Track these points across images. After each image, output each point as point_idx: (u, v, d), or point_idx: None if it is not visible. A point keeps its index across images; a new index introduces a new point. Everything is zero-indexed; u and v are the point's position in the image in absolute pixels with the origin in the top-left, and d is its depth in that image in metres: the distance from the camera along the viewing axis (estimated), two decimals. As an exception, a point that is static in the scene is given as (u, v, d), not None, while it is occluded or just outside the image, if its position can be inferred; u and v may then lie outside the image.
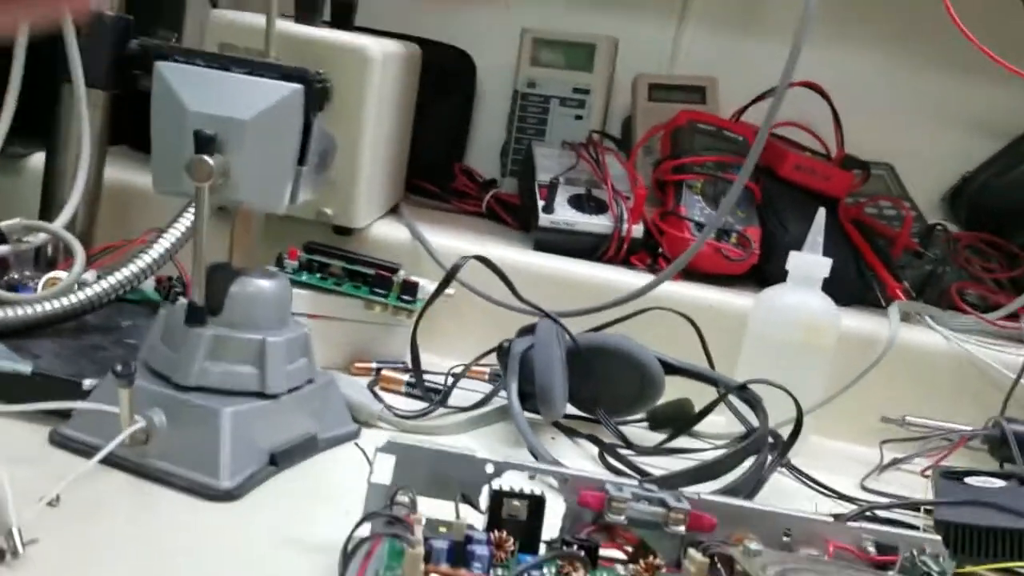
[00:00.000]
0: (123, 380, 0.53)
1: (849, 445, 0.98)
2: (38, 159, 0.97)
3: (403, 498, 0.50)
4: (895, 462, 0.95)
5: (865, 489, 0.88)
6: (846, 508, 0.79)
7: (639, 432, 0.89)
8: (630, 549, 0.52)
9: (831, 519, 0.53)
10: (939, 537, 0.53)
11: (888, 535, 0.52)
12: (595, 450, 0.80)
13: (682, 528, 0.51)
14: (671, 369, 0.85)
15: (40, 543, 0.47)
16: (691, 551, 0.48)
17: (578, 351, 0.82)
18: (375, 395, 0.80)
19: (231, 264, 0.64)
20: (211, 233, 0.59)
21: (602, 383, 0.83)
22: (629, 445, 0.82)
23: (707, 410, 0.86)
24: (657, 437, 0.87)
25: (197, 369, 0.60)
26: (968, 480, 0.74)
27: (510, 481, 0.52)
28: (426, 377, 0.87)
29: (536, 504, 0.51)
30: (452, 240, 1.02)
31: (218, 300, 0.62)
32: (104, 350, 0.71)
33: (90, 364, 0.67)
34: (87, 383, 0.63)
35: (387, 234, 1.02)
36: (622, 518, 0.51)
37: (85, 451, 0.57)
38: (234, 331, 0.61)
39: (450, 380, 0.84)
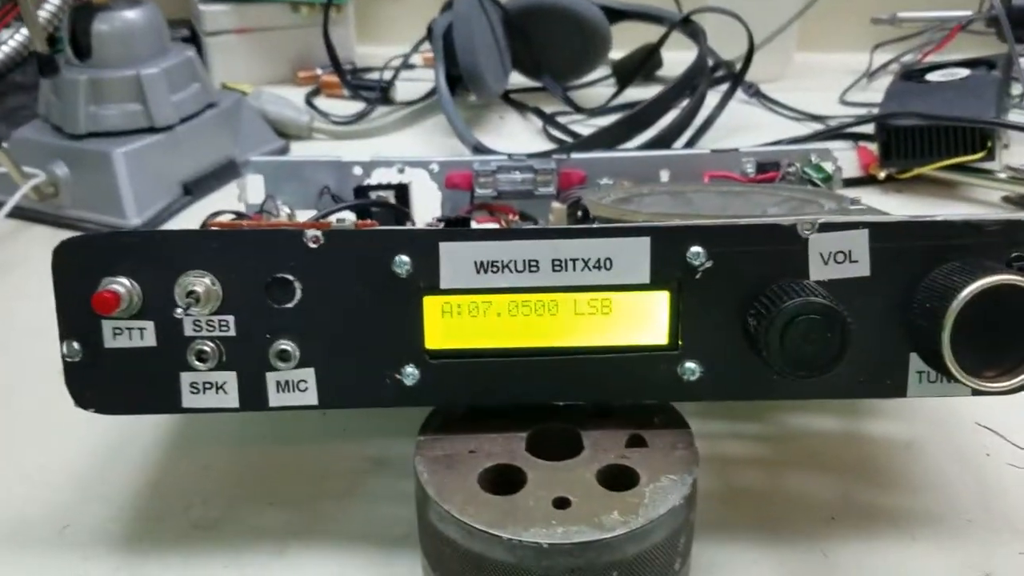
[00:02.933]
0: (-12, 144, 0.54)
1: (840, 56, 0.91)
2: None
3: (272, 206, 0.51)
4: (884, 66, 0.88)
5: (845, 103, 0.83)
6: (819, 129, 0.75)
7: (602, 92, 0.85)
8: (514, 219, 0.52)
9: (707, 151, 0.50)
10: (826, 145, 0.50)
11: (766, 153, 0.50)
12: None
13: (551, 188, 0.50)
14: (614, 15, 0.79)
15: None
16: (553, 203, 0.48)
17: (510, 17, 0.77)
18: (312, 106, 0.79)
19: (92, 1, 0.61)
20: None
21: (543, 46, 0.79)
22: (578, 110, 0.78)
23: (652, 52, 0.80)
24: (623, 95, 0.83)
25: (83, 116, 0.60)
26: (930, 76, 0.68)
27: (387, 177, 0.52)
28: (371, 75, 0.84)
29: (401, 191, 0.51)
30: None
31: (85, 42, 0.60)
32: (26, 109, 0.72)
33: (11, 127, 0.68)
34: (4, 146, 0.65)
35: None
36: (491, 191, 0.51)
37: (9, 211, 0.60)
38: (107, 71, 0.60)
39: (388, 75, 0.82)
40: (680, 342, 0.31)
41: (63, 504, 0.36)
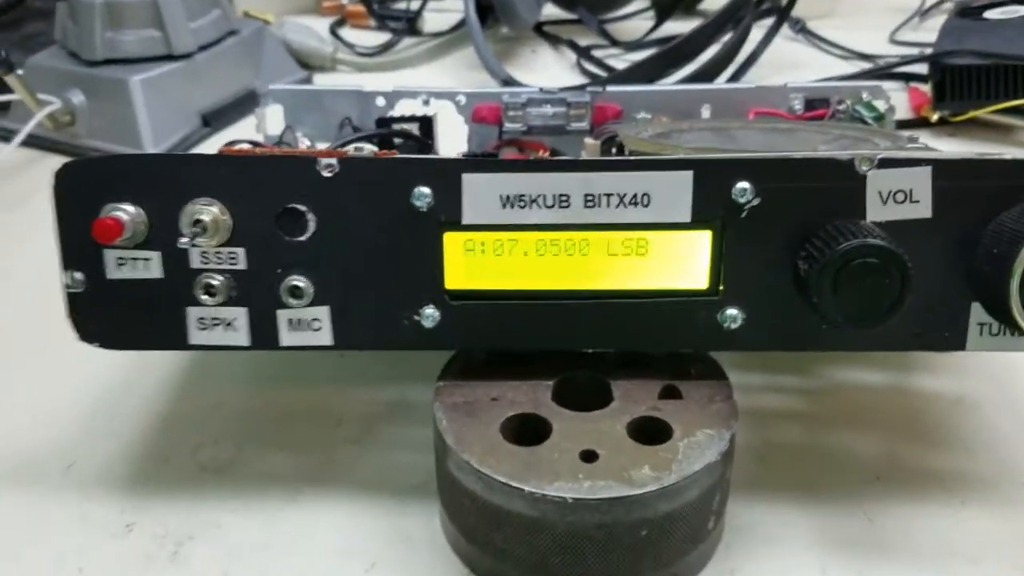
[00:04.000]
0: (1, 68, 0.52)
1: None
2: None
3: (292, 137, 0.48)
4: (937, 4, 0.83)
5: (896, 43, 0.79)
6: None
7: (639, 26, 0.81)
8: (544, 155, 0.50)
9: (752, 86, 0.47)
10: (879, 83, 0.47)
11: (817, 89, 0.47)
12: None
13: (585, 123, 0.48)
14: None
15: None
16: (586, 139, 0.46)
17: (544, -56, 0.73)
18: (337, 36, 0.76)
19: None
20: None
21: (578, -25, 0.75)
22: (614, 43, 0.75)
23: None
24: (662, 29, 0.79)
25: (100, 41, 0.58)
26: (989, 13, 0.64)
27: (411, 109, 0.50)
28: (399, 5, 0.81)
29: (426, 124, 0.48)
30: None
31: (102, -37, 0.58)
32: (43, 36, 0.70)
33: (28, 54, 0.66)
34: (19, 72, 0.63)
35: None
36: (521, 126, 0.48)
37: (26, 141, 0.58)
38: (124, -6, 0.58)
39: (416, 5, 0.78)
40: (721, 287, 0.28)
41: (70, 441, 0.35)
